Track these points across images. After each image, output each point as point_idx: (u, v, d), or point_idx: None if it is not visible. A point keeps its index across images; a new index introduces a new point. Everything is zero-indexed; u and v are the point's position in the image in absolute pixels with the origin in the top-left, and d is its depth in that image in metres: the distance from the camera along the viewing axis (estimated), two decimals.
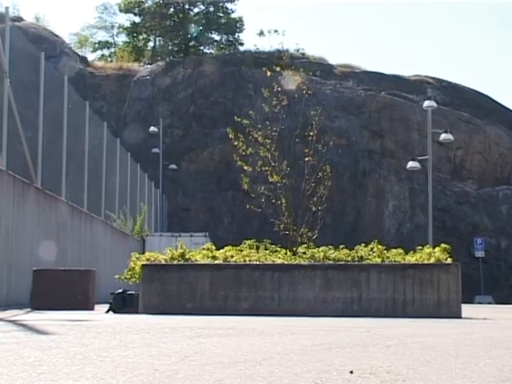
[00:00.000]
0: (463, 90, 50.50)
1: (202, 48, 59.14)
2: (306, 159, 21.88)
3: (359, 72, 50.23)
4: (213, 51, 58.99)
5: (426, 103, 32.45)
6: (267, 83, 25.03)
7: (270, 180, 21.75)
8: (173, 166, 42.80)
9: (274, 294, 12.50)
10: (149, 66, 52.74)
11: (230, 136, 22.12)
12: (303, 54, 43.43)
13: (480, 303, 36.36)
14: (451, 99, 48.05)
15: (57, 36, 53.29)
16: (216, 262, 12.98)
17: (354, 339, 6.08)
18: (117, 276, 13.85)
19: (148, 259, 13.09)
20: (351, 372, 3.65)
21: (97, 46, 64.76)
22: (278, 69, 25.39)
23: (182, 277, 12.69)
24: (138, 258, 13.26)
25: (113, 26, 64.62)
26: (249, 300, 12.49)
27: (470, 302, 35.56)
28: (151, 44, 62.02)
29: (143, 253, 14.69)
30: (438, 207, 39.94)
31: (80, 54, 55.49)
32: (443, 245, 13.06)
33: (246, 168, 21.89)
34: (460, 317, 11.70)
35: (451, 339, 6.30)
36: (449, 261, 12.51)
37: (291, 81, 26.97)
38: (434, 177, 35.11)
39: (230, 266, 12.82)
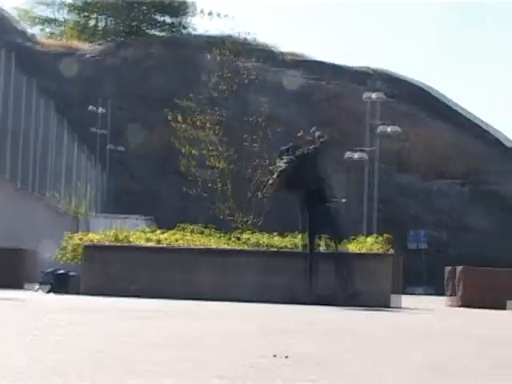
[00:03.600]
0: (408, 83, 51.01)
1: (151, 30, 58.62)
2: (254, 145, 21.95)
3: (308, 61, 50.42)
4: (163, 34, 58.52)
5: (372, 95, 32.78)
6: (216, 68, 25.01)
7: (216, 165, 21.78)
8: (119, 148, 42.49)
9: (214, 278, 12.53)
10: (97, 46, 52.15)
11: (169, 118, 22.06)
12: (254, 39, 43.47)
13: (417, 294, 36.86)
14: (396, 92, 48.50)
15: (3, 10, 52.40)
16: (158, 245, 12.98)
17: (288, 325, 6.15)
18: (49, 255, 13.78)
19: (81, 239, 13.03)
20: (274, 356, 3.70)
21: (44, 23, 63.69)
22: (227, 53, 25.39)
23: (124, 259, 12.66)
24: (70, 238, 13.19)
25: (61, 4, 63.61)
26: (188, 284, 12.51)
27: (408, 292, 36.01)
28: (100, 23, 61.26)
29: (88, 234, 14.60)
30: (381, 198, 40.35)
31: (28, 31, 54.63)
32: (380, 235, 13.25)
33: (189, 152, 21.87)
34: (393, 306, 11.87)
35: (381, 327, 6.42)
36: (389, 251, 12.68)
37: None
38: (378, 168, 35.50)
39: (172, 249, 12.83)
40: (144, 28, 57.89)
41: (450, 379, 3.03)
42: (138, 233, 13.38)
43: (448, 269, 14.53)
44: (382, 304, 11.78)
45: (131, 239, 13.09)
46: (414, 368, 3.39)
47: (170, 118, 22.04)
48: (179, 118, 22.57)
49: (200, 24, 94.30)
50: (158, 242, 13.11)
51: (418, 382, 2.96)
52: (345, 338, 4.94)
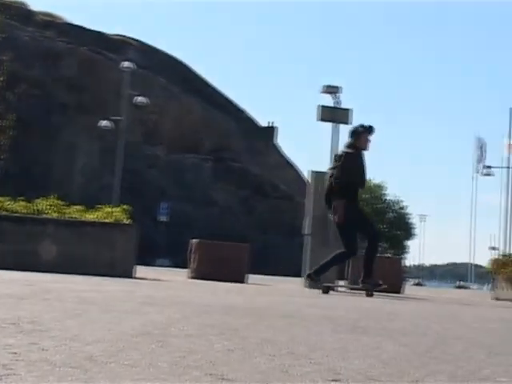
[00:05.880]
0: (164, 56, 51.40)
1: None
2: None
3: (61, 23, 49.08)
4: None
5: (125, 64, 32.64)
6: None
7: None
8: None
9: None
10: None
11: None
12: None
13: (161, 266, 37.36)
14: (151, 63, 48.70)
15: None
16: None
17: (13, 291, 5.96)
18: None
19: None
20: None
21: None
22: None
23: None
24: None
25: None
26: None
27: (152, 264, 36.46)
28: None
29: None
30: (128, 169, 40.36)
31: None
32: (123, 205, 13.28)
33: None
34: (133, 277, 11.98)
35: (111, 296, 6.42)
36: (128, 221, 12.73)
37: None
38: (127, 138, 35.43)
39: None
40: None
41: (155, 343, 3.10)
42: None
43: (192, 242, 14.96)
44: (126, 274, 11.86)
45: None
46: (122, 332, 3.42)
47: None
48: None
49: None
50: None
51: (119, 344, 3.00)
52: (77, 305, 4.87)
